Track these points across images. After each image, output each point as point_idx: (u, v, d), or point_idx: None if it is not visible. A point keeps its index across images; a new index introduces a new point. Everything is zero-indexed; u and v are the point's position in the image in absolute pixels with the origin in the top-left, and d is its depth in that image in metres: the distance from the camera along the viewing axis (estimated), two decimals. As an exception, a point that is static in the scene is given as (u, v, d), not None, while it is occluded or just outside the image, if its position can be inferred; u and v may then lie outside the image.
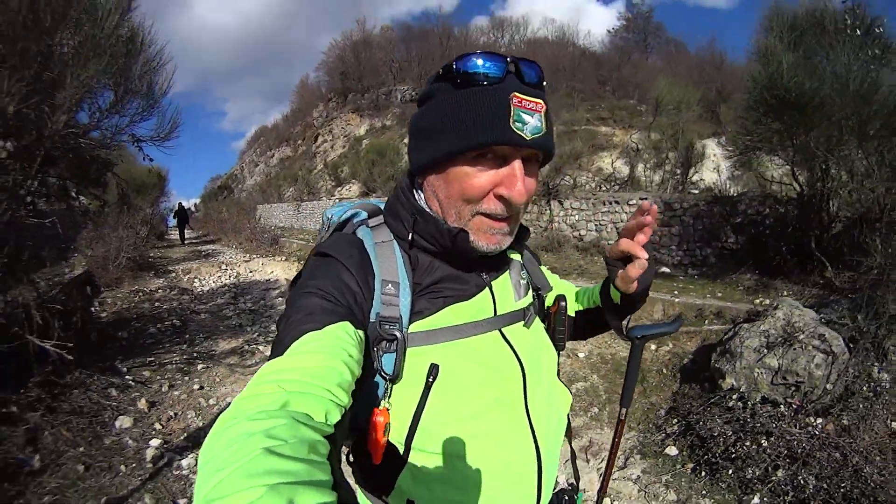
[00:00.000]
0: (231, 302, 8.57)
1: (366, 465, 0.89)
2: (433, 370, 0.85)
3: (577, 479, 1.27)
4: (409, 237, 0.94)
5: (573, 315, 1.30)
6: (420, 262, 0.95)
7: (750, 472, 3.20)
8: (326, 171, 28.60)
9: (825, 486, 3.01)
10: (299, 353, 0.72)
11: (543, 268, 1.29)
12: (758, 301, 5.88)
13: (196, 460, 3.04)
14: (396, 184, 1.05)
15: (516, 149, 0.85)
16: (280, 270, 11.93)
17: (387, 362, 0.85)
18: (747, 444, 3.36)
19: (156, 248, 16.05)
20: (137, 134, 4.18)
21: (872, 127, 5.80)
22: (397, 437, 0.85)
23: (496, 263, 1.02)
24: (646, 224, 0.96)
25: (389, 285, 0.88)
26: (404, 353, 0.85)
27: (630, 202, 8.54)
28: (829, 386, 3.67)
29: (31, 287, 3.72)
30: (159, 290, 8.88)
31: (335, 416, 0.68)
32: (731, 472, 3.28)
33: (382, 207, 1.07)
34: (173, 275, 11.22)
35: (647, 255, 1.00)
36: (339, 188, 25.56)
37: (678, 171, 11.13)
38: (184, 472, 3.22)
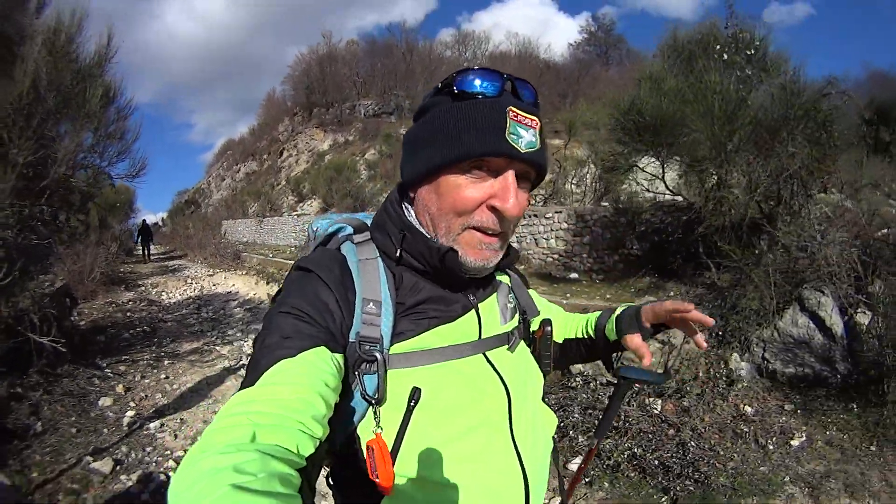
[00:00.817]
0: (195, 312, 9.53)
1: (348, 489, 0.91)
2: (415, 394, 0.84)
3: (565, 501, 1.29)
4: (398, 253, 0.94)
5: (560, 341, 1.31)
6: (405, 281, 0.94)
7: (580, 440, 4.02)
8: (289, 187, 29.18)
9: (644, 453, 3.69)
10: (272, 384, 0.71)
11: (532, 291, 1.28)
12: (642, 301, 6.79)
13: (161, 425, 4.12)
14: (385, 199, 1.05)
15: (510, 162, 0.86)
16: (240, 283, 12.89)
17: (368, 384, 0.84)
18: (583, 418, 4.16)
19: (125, 263, 16.87)
20: (112, 172, 5.29)
21: (734, 145, 6.34)
22: None
23: (483, 285, 1.02)
24: (708, 323, 1.09)
25: (371, 304, 0.87)
26: (385, 374, 0.84)
27: (546, 216, 9.39)
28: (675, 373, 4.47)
29: (29, 296, 4.72)
30: (130, 302, 9.87)
31: (308, 449, 0.68)
32: (566, 441, 4.05)
33: (369, 223, 1.06)
34: (143, 288, 12.26)
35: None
36: (300, 203, 26.11)
37: (597, 185, 11.97)
38: (151, 432, 4.22)
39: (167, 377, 5.54)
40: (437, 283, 0.95)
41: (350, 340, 0.84)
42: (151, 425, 4.32)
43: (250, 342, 7.03)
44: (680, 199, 7.51)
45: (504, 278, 1.12)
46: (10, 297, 4.39)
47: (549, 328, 1.15)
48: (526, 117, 0.86)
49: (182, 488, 0.54)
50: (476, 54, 45.79)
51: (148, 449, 3.93)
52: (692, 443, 3.76)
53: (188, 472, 0.56)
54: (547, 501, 1.19)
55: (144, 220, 23.22)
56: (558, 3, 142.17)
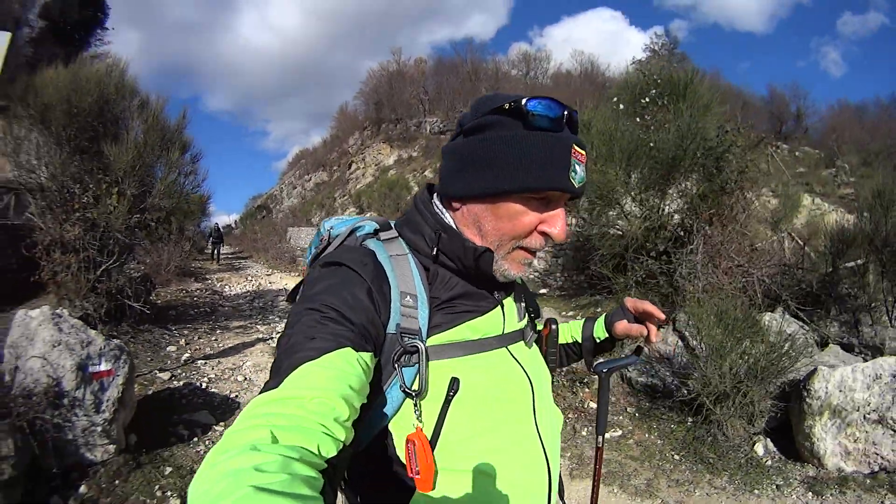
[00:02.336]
0: (249, 302, 11.92)
1: (370, 487, 0.95)
2: (454, 384, 0.87)
3: (562, 494, 1.30)
4: (434, 252, 0.97)
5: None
6: (440, 276, 0.98)
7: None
8: (351, 200, 31.30)
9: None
10: (294, 387, 0.72)
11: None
12: (570, 313, 8.41)
13: (204, 362, 6.55)
14: (414, 197, 1.09)
15: (563, 193, 0.93)
16: (292, 283, 15.21)
17: (408, 376, 0.86)
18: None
19: (196, 260, 19.70)
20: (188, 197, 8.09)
21: (632, 182, 7.26)
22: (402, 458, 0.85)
23: (507, 283, 1.05)
24: (661, 318, 1.26)
25: (408, 297, 0.91)
26: (427, 366, 0.87)
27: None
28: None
29: (125, 276, 7.28)
30: (197, 290, 12.53)
31: (330, 451, 0.69)
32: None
33: (391, 223, 1.09)
34: (209, 281, 14.95)
35: (657, 333, 1.29)
36: (362, 214, 27.96)
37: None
38: (197, 365, 6.45)
39: (216, 339, 7.86)
40: (468, 281, 1.00)
41: (389, 333, 0.87)
42: (198, 361, 6.60)
43: (283, 324, 9.20)
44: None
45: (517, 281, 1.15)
46: (115, 276, 6.92)
47: (554, 326, 1.23)
48: (581, 154, 0.92)
49: (203, 489, 0.54)
50: (535, 74, 47.13)
51: (193, 372, 6.19)
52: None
53: (209, 473, 0.56)
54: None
55: (217, 224, 24.33)
56: (629, 18, 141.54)
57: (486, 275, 0.98)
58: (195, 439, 4.37)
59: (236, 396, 5.65)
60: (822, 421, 4.28)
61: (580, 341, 1.42)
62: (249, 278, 16.62)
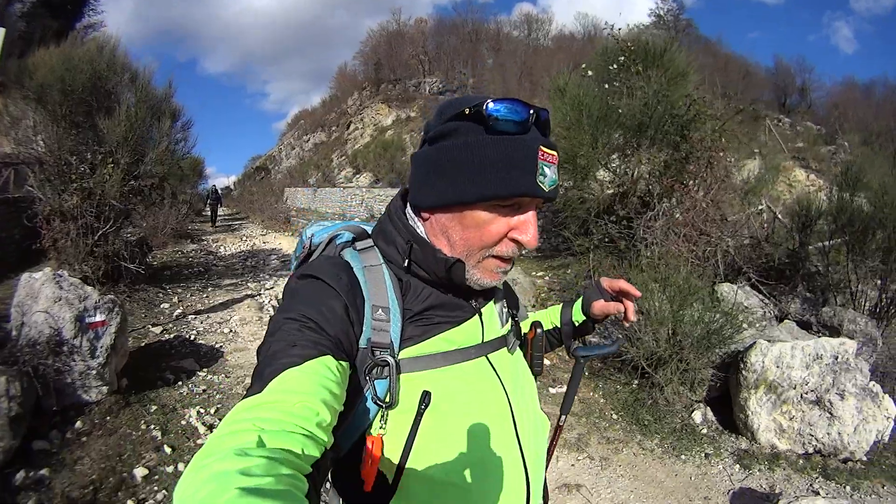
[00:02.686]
0: (242, 261, 12.56)
1: (354, 490, 0.91)
2: (425, 397, 0.88)
3: (547, 500, 1.31)
4: (406, 263, 0.98)
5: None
6: (412, 287, 0.98)
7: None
8: (347, 160, 31.59)
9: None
10: (277, 392, 0.73)
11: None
12: (541, 273, 9.10)
13: (195, 317, 7.22)
14: (387, 209, 1.08)
15: (534, 199, 0.92)
16: (285, 242, 16.06)
17: (380, 388, 0.87)
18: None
19: (194, 223, 20.28)
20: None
21: (607, 144, 7.47)
22: (388, 464, 0.87)
23: (485, 290, 1.04)
24: (637, 296, 1.30)
25: (380, 311, 0.91)
26: (397, 379, 0.88)
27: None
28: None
29: (121, 240, 7.89)
30: (192, 252, 13.22)
31: (314, 455, 0.69)
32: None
33: (369, 230, 1.11)
34: (205, 242, 15.71)
35: (635, 311, 1.30)
36: (357, 176, 28.69)
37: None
38: (188, 320, 7.09)
39: (207, 296, 8.50)
40: (443, 290, 1.00)
41: (361, 347, 0.89)
42: (189, 317, 7.26)
43: (272, 281, 10.05)
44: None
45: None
46: (111, 240, 7.51)
47: (539, 330, 1.21)
48: (550, 154, 0.91)
49: (189, 492, 0.55)
50: (538, 36, 46.38)
51: (184, 326, 6.85)
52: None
53: (195, 477, 0.57)
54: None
55: (214, 186, 24.47)
56: None
57: (460, 285, 0.99)
58: (179, 383, 4.99)
59: (221, 347, 6.19)
60: (758, 395, 4.31)
61: (560, 326, 1.45)
62: (244, 238, 17.35)
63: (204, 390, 4.99)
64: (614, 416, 4.87)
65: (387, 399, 0.87)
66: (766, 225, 8.52)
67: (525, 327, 1.29)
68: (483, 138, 0.89)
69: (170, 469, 3.66)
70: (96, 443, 3.77)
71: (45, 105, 7.04)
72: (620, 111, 7.59)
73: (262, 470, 0.58)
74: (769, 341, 4.51)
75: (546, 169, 0.91)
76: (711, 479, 4.02)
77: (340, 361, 0.83)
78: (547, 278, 8.91)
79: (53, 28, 16.86)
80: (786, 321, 5.78)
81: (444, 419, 0.90)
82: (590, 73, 8.68)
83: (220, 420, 4.12)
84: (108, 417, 4.09)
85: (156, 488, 3.42)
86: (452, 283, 0.98)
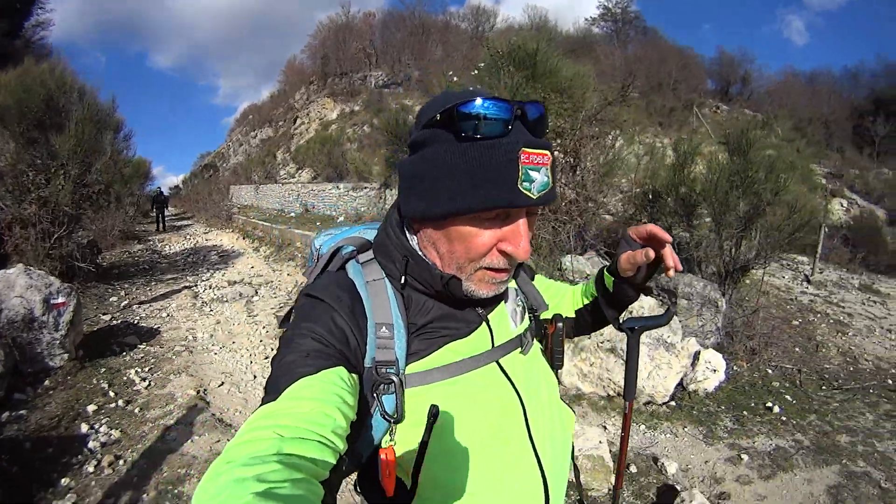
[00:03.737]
0: (184, 258, 13.84)
1: (375, 497, 0.97)
2: (433, 411, 0.88)
3: (582, 495, 1.33)
4: (402, 280, 0.97)
5: (573, 315, 1.39)
6: (414, 301, 0.98)
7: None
8: (290, 156, 32.14)
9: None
10: (293, 398, 0.76)
11: (538, 280, 1.37)
12: None
13: (139, 306, 8.65)
14: (385, 219, 1.07)
15: (522, 207, 0.88)
16: (226, 239, 17.54)
17: (388, 404, 0.89)
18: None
19: (141, 224, 21.53)
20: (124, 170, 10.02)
21: None
22: (404, 473, 0.90)
23: (491, 297, 1.02)
24: (667, 240, 1.11)
25: (384, 328, 0.92)
26: (403, 395, 0.89)
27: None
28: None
29: (73, 242, 9.13)
30: (139, 251, 14.56)
31: (329, 461, 0.72)
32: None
33: (372, 240, 1.10)
34: (151, 242, 16.97)
35: (673, 259, 1.12)
36: (299, 171, 29.28)
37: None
38: (134, 310, 8.31)
39: (150, 289, 9.82)
40: (446, 302, 0.99)
41: (366, 366, 0.90)
42: (134, 306, 8.56)
43: (209, 273, 11.58)
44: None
45: (511, 283, 1.13)
46: (65, 243, 8.67)
47: (560, 324, 1.19)
48: (538, 154, 0.85)
49: (206, 498, 0.57)
50: (484, 29, 45.27)
51: (129, 314, 8.11)
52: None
53: (212, 483, 0.59)
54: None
55: (159, 189, 24.39)
56: None
57: (459, 298, 0.98)
58: (123, 353, 6.28)
59: (158, 327, 7.48)
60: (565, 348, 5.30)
61: (596, 295, 1.34)
62: (188, 237, 18.68)
63: (142, 357, 6.21)
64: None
65: (395, 415, 0.88)
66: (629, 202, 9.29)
67: (547, 320, 1.25)
68: (453, 147, 0.86)
69: (112, 405, 4.85)
70: (60, 394, 4.98)
71: (5, 124, 8.30)
72: None
73: (278, 476, 0.60)
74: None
75: (532, 173, 0.85)
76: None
77: (352, 374, 0.86)
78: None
79: (3, 28, 17.61)
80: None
81: (453, 431, 0.90)
82: (476, 70, 9.14)
83: (153, 376, 5.66)
84: (69, 377, 5.29)
85: (102, 418, 4.59)
86: (453, 296, 0.97)
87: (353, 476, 1.04)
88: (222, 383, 5.67)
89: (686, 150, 8.28)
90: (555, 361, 1.20)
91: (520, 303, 1.16)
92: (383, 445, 0.90)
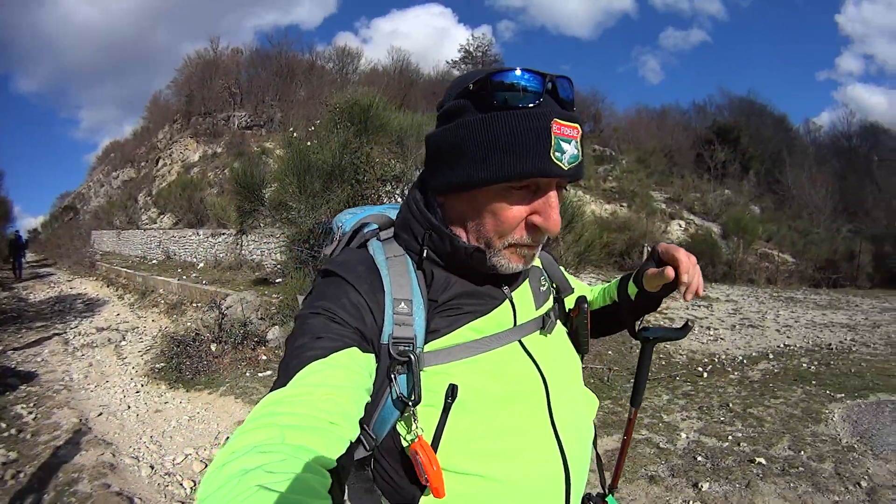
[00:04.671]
0: (51, 306, 14.94)
1: (389, 483, 0.95)
2: (451, 391, 0.88)
3: (604, 484, 1.35)
4: (423, 254, 0.97)
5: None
6: (436, 277, 0.97)
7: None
8: (152, 200, 31.97)
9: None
10: (302, 385, 0.76)
11: (562, 268, 1.34)
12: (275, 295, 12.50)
13: (13, 351, 10.61)
14: (408, 195, 1.06)
15: (552, 179, 0.88)
16: (90, 287, 18.81)
17: (403, 384, 0.88)
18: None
19: (2, 270, 22.16)
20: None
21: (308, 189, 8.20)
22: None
23: (515, 274, 1.03)
24: (682, 267, 1.11)
25: (402, 304, 0.91)
26: (419, 374, 0.88)
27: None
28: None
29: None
30: (4, 299, 15.87)
31: (338, 449, 0.72)
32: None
33: (394, 217, 1.11)
34: (16, 290, 18.11)
35: (694, 281, 1.12)
36: (161, 216, 29.56)
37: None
38: (11, 357, 9.65)
39: (21, 336, 10.83)
40: (468, 278, 0.99)
41: (382, 342, 0.89)
42: (9, 353, 9.16)
43: (77, 321, 12.29)
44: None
45: (535, 261, 1.11)
46: None
47: (585, 305, 1.17)
48: (569, 127, 0.87)
49: (211, 489, 0.57)
50: (348, 70, 45.98)
51: (5, 360, 8.56)
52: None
53: (217, 474, 0.60)
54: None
55: (17, 233, 24.14)
56: (458, 15, 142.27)
57: (485, 273, 0.98)
58: (6, 392, 6.93)
59: (36, 370, 8.16)
60: None
61: (617, 301, 1.36)
62: (52, 285, 19.64)
63: (25, 395, 6.87)
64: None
65: (411, 396, 0.87)
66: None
67: (571, 303, 1.26)
68: (486, 116, 0.87)
69: (5, 434, 5.37)
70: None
71: None
72: (321, 162, 8.52)
73: (283, 466, 0.60)
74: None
75: (564, 144, 0.86)
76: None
77: (367, 354, 0.86)
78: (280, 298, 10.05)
79: None
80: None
81: (472, 412, 0.90)
82: (295, 133, 10.26)
83: (38, 409, 6.22)
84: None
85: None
86: (477, 271, 0.98)
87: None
88: (101, 413, 6.34)
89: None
90: (580, 344, 1.19)
91: (544, 282, 1.17)
92: (409, 432, 0.90)
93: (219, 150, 35.26)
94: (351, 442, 0.77)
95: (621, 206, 27.35)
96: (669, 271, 1.12)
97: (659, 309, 2.43)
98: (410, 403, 0.88)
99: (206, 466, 1.17)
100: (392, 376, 0.89)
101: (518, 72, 0.86)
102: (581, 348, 1.20)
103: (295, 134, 10.24)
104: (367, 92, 9.68)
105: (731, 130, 38.60)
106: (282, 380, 0.79)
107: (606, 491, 1.37)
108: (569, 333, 1.20)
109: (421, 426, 0.88)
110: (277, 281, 9.13)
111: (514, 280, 1.06)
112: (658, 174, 33.58)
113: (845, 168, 36.30)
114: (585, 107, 44.42)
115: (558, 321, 1.16)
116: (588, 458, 1.08)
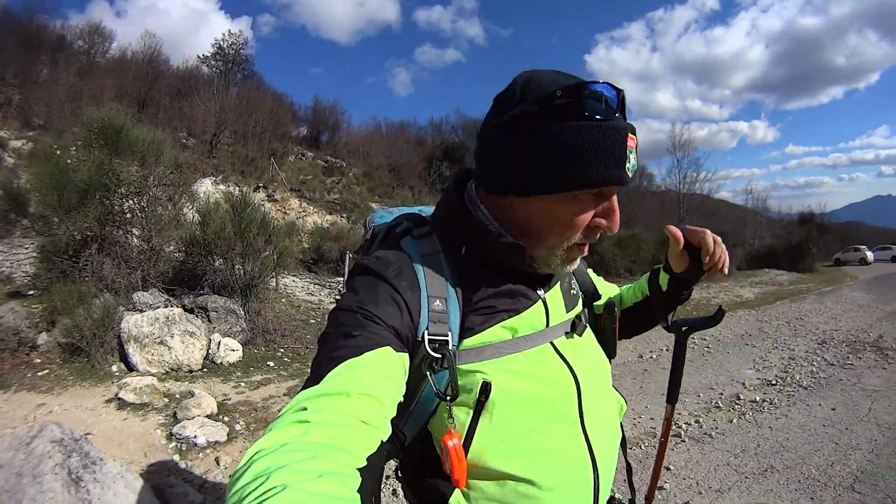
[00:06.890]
0: None
1: (419, 481, 1.00)
2: (485, 388, 0.91)
3: (633, 491, 1.35)
4: (463, 250, 1.01)
5: (620, 315, 1.35)
6: (472, 275, 1.00)
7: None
8: None
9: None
10: (335, 383, 0.76)
11: (590, 271, 1.40)
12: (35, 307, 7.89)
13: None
14: (445, 193, 1.10)
15: (624, 186, 0.92)
16: None
17: (439, 381, 0.91)
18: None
19: None
20: None
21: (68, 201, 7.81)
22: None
23: (548, 275, 1.07)
24: (707, 245, 1.18)
25: (437, 301, 0.94)
26: (455, 371, 0.91)
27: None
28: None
29: None
30: None
31: (369, 448, 0.72)
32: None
33: (428, 217, 1.13)
34: None
35: (723, 259, 1.20)
36: None
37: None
38: None
39: None
40: (504, 277, 1.01)
41: (418, 339, 0.91)
42: None
43: None
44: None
45: None
46: None
47: (615, 310, 1.24)
48: (633, 140, 0.91)
49: (242, 484, 0.58)
50: (97, 52, 39.72)
51: None
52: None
53: (248, 470, 0.60)
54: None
55: None
56: (221, 1, 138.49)
57: (522, 271, 1.01)
58: None
59: None
60: (132, 344, 6.39)
61: (649, 294, 1.38)
62: None
63: None
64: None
65: (448, 392, 0.90)
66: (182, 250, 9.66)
67: (600, 308, 1.32)
68: (576, 125, 0.88)
69: None
70: None
71: None
72: (78, 179, 8.02)
73: (313, 465, 0.60)
74: (130, 314, 6.80)
75: (631, 156, 0.91)
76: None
77: (400, 353, 0.87)
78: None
79: None
80: (174, 308, 7.49)
81: (504, 410, 0.93)
82: (56, 149, 9.51)
83: None
84: None
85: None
86: (514, 268, 1.01)
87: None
88: None
89: (240, 199, 9.61)
90: (608, 349, 1.23)
91: (574, 286, 1.21)
92: (441, 428, 0.93)
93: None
94: (382, 441, 0.76)
95: (342, 217, 26.60)
96: (675, 231, 1.22)
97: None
98: (448, 400, 0.91)
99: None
100: (428, 373, 0.92)
101: (602, 87, 0.90)
102: (609, 352, 1.25)
103: (59, 151, 9.68)
104: (120, 111, 9.86)
105: (457, 150, 42.95)
106: (314, 377, 0.79)
107: (643, 500, 1.51)
108: (597, 337, 1.25)
109: (454, 422, 0.93)
110: (30, 293, 8.54)
111: (547, 281, 1.11)
112: (383, 187, 34.73)
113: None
114: (325, 116, 45.40)
115: (587, 325, 1.20)
116: (614, 461, 1.13)
